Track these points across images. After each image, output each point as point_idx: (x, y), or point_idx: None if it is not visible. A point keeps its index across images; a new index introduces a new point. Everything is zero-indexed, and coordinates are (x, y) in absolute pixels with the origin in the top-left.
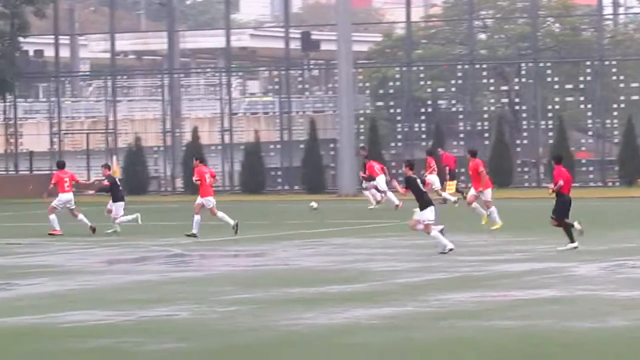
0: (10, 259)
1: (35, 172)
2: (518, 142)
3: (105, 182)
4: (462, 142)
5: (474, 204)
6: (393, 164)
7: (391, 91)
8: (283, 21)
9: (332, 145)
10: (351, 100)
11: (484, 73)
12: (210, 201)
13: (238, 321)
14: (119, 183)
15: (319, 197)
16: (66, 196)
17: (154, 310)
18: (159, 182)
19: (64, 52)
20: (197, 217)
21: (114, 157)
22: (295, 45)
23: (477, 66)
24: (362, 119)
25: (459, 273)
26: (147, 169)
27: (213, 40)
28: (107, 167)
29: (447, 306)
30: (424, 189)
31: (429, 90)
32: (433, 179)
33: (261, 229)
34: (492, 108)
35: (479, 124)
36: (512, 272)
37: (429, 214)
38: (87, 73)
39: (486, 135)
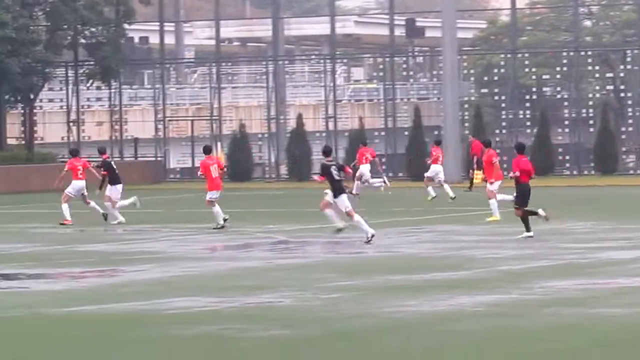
0: (115, 246)
1: (140, 159)
2: (623, 129)
3: (103, 171)
4: (567, 130)
5: (493, 200)
6: (498, 150)
7: (496, 78)
8: (388, 8)
9: (436, 132)
10: (456, 87)
11: (589, 60)
12: (215, 194)
13: (341, 308)
14: (115, 166)
15: (421, 184)
16: (79, 183)
17: (257, 297)
18: (263, 169)
19: (169, 39)
20: (215, 209)
21: (219, 144)
22: (399, 32)
23: (582, 53)
24: (466, 106)
25: (563, 260)
26: (252, 156)
27: (317, 27)
28: (104, 151)
29: (551, 293)
30: (337, 177)
31: (533, 77)
32: (436, 168)
33: (365, 216)
34: (597, 95)
35: (583, 111)
36: (617, 260)
37: (345, 201)
38: (192, 60)
39: (591, 122)
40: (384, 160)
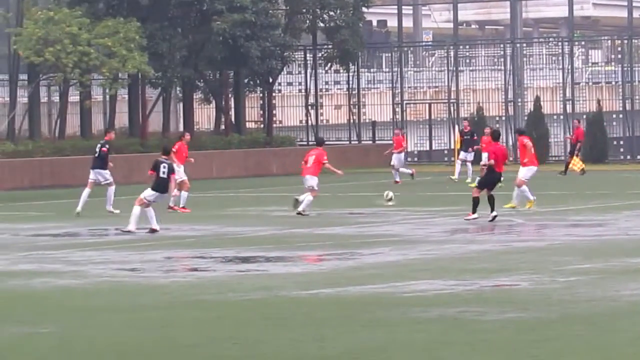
0: (353, 229)
1: (378, 142)
2: None
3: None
4: None
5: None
6: None
7: None
8: None
9: None
10: None
11: None
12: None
13: (578, 291)
14: (98, 150)
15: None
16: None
17: (494, 280)
18: None
19: (407, 22)
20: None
21: (456, 127)
22: (638, 13)
23: None
24: None
25: None
26: None
27: (556, 9)
28: (107, 131)
29: None
30: (162, 175)
31: None
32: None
33: (603, 199)
34: None
35: None
36: None
37: (150, 193)
38: (430, 43)
39: None
40: (622, 142)
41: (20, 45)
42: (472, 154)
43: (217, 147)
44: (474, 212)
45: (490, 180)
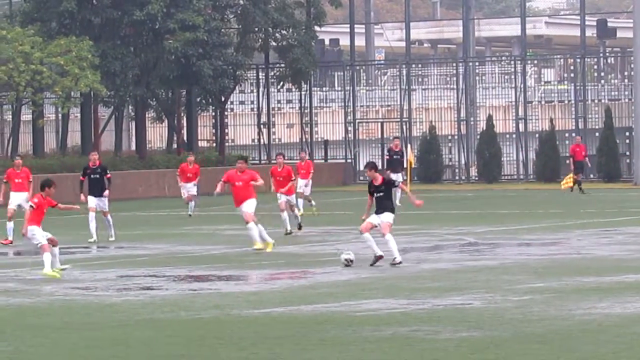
0: (305, 247)
1: (330, 161)
2: None
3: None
4: None
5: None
6: None
7: None
8: (579, 9)
9: (627, 134)
10: None
11: None
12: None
13: (531, 310)
14: (93, 173)
15: (614, 186)
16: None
17: (447, 299)
18: (453, 171)
19: (359, 41)
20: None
21: (409, 146)
22: (591, 32)
23: None
24: None
25: None
26: (442, 158)
27: (508, 28)
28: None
29: None
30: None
31: None
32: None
33: (556, 218)
34: None
35: None
36: None
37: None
38: (382, 62)
39: None
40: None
41: None
42: (401, 174)
43: (170, 166)
44: None
45: None
